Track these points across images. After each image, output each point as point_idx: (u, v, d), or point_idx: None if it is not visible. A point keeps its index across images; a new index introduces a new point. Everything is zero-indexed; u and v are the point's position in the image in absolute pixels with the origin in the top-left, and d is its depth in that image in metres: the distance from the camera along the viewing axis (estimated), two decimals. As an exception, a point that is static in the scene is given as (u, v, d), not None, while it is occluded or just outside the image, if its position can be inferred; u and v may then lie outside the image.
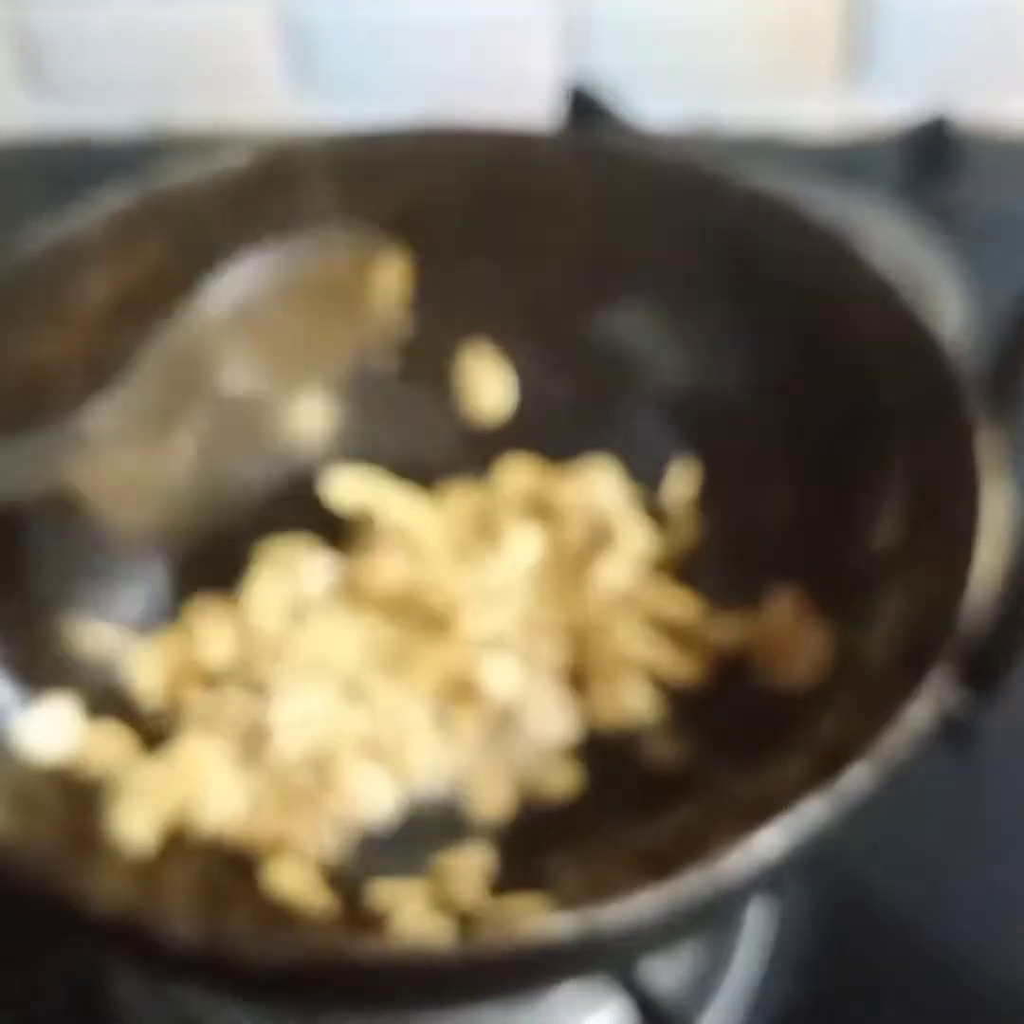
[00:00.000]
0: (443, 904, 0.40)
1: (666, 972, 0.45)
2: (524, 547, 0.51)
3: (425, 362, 0.55)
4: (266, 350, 0.54)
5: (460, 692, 0.47)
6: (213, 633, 0.48)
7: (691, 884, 0.31)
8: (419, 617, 0.49)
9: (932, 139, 0.75)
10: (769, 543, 0.49)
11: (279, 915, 0.40)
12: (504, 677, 0.46)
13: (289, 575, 0.50)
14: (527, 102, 0.68)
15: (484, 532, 0.52)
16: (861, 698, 0.41)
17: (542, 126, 0.59)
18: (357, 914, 0.40)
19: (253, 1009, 0.45)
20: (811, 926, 0.47)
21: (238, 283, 0.52)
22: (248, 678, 0.47)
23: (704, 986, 0.46)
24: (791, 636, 0.46)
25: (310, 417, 0.55)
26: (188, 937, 0.31)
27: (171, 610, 0.50)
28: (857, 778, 0.33)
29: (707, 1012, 0.45)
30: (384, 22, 0.82)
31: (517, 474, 0.54)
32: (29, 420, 0.48)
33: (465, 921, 0.39)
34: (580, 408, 0.55)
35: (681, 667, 0.47)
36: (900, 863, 0.49)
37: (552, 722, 0.46)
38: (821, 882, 0.48)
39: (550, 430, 0.54)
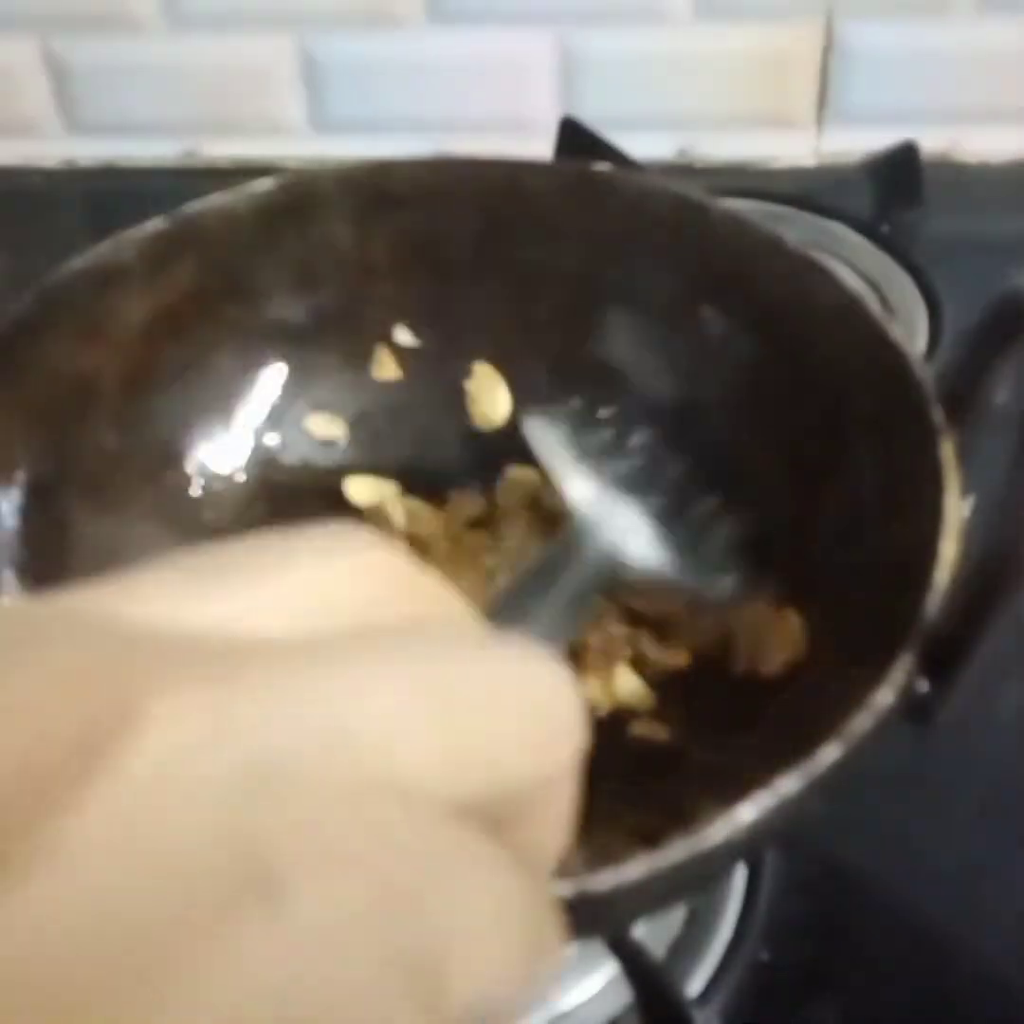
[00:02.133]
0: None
1: (654, 938, 0.46)
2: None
3: (433, 377, 0.56)
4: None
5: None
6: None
7: (676, 853, 0.32)
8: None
9: (899, 169, 0.76)
10: (749, 541, 0.49)
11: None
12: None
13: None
14: (526, 138, 0.69)
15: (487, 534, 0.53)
16: (831, 684, 0.41)
17: (539, 157, 0.59)
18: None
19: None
20: (793, 895, 0.47)
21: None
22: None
23: (691, 951, 0.46)
24: (768, 628, 0.46)
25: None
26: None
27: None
28: (827, 756, 0.33)
29: (693, 975, 0.45)
30: (393, 64, 0.82)
31: (518, 482, 0.54)
32: (69, 423, 0.49)
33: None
34: (575, 418, 0.55)
35: (666, 656, 0.47)
36: (875, 836, 0.49)
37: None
38: (802, 854, 0.48)
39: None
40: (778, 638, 0.45)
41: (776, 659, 0.45)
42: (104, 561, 0.49)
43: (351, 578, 0.19)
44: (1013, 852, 0.49)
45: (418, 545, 0.51)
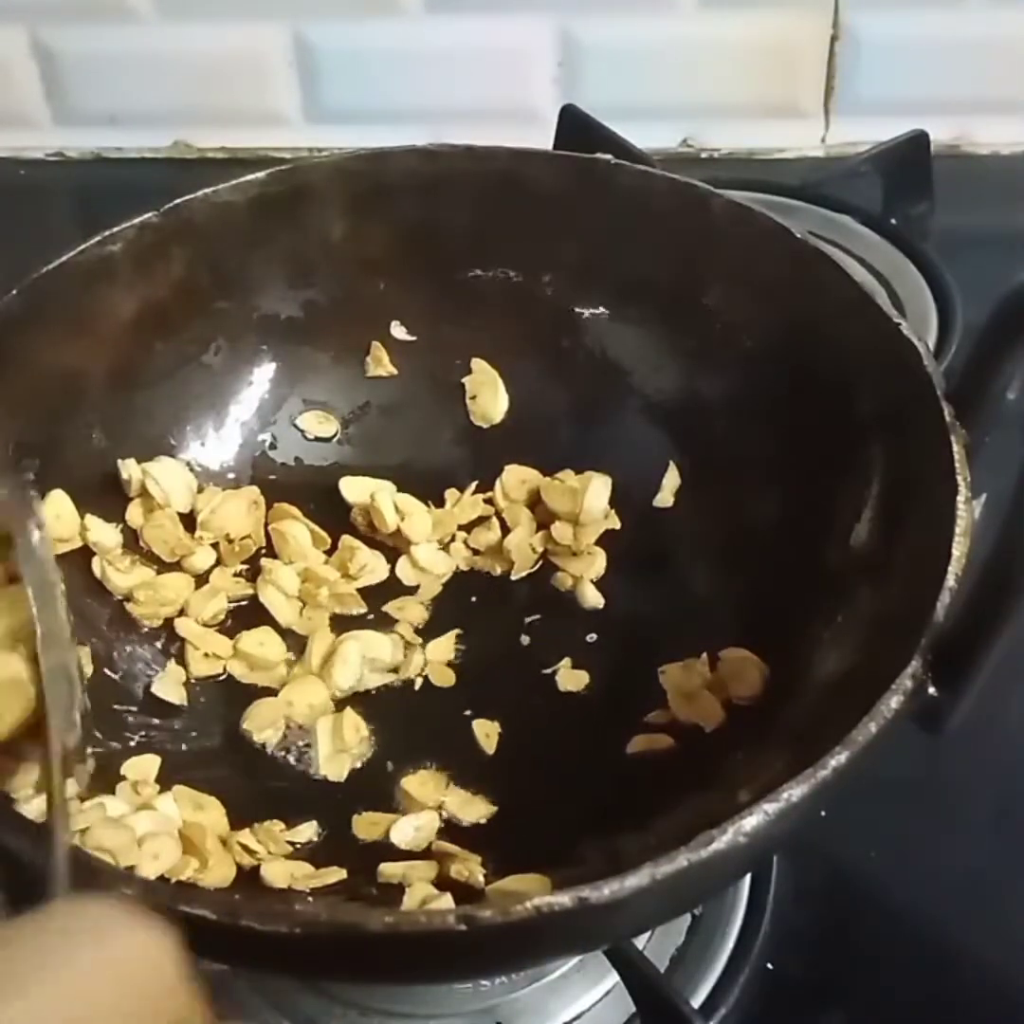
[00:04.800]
0: (448, 883, 0.40)
1: (658, 947, 0.45)
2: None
3: (430, 373, 0.56)
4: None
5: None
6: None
7: (679, 862, 0.31)
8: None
9: (908, 161, 0.75)
10: (753, 542, 0.49)
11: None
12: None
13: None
14: (526, 127, 0.69)
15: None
16: (839, 690, 0.41)
17: (539, 148, 0.59)
18: (368, 894, 0.41)
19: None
20: (799, 903, 0.47)
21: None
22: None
23: (695, 960, 0.46)
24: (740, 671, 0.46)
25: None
26: (214, 911, 0.31)
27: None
28: (834, 764, 0.33)
29: (698, 985, 0.45)
30: (390, 52, 0.82)
31: (515, 480, 0.54)
32: (55, 420, 0.49)
33: (472, 898, 0.39)
34: (575, 416, 0.55)
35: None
36: (882, 843, 0.49)
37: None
38: (808, 862, 0.48)
39: (546, 437, 0.55)
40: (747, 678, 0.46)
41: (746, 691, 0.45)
42: (86, 556, 0.49)
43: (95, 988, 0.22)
44: (1022, 862, 0.49)
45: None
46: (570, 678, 0.49)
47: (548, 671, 0.49)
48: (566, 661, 0.49)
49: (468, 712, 0.48)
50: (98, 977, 0.22)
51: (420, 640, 0.50)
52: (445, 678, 0.49)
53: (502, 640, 0.50)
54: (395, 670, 0.49)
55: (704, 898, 0.45)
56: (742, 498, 0.50)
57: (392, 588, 0.52)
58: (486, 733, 0.47)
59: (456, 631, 0.50)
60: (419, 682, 0.49)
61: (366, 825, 0.44)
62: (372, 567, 0.52)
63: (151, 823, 0.41)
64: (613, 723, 0.46)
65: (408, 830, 0.43)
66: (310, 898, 0.40)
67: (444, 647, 0.50)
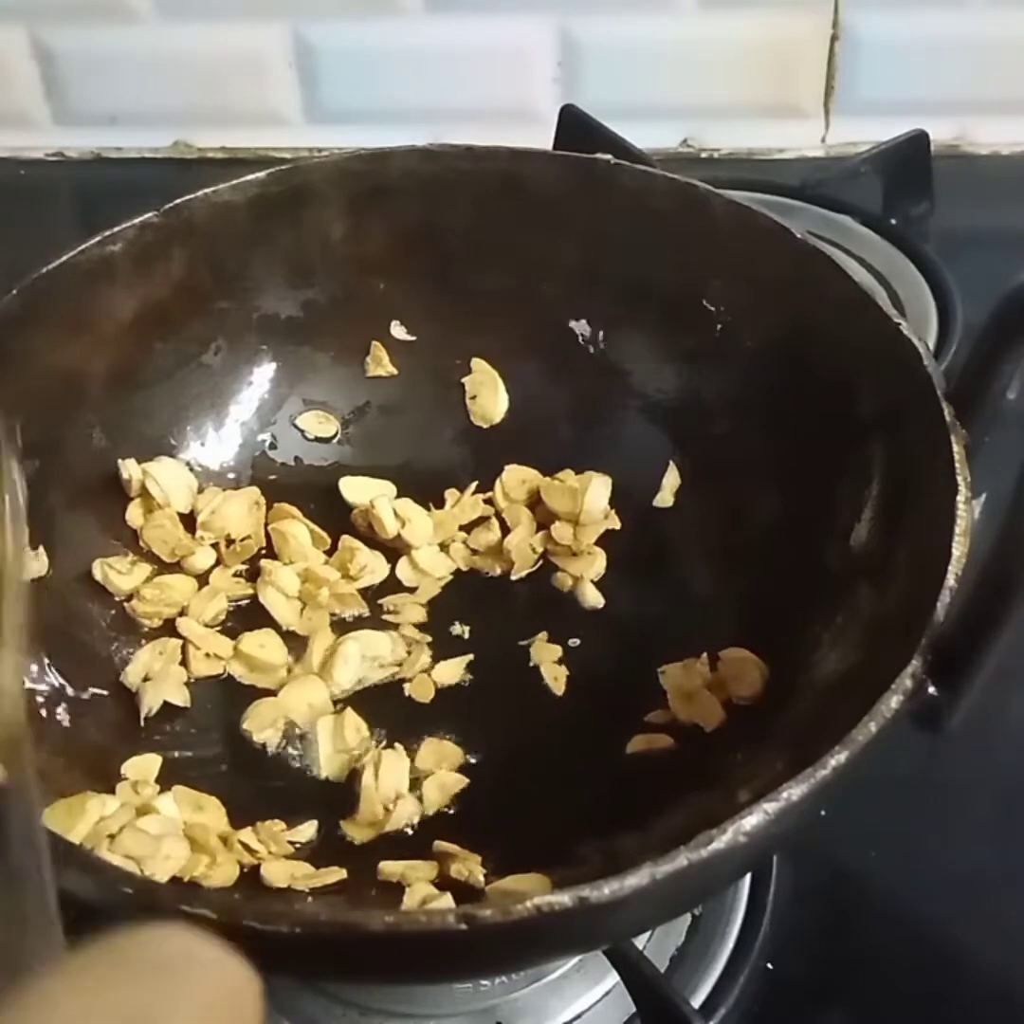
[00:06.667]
0: (449, 883, 0.40)
1: (658, 947, 0.45)
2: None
3: (429, 374, 0.56)
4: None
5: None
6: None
7: (678, 862, 0.31)
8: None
9: (908, 161, 0.75)
10: (754, 542, 0.49)
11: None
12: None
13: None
14: (526, 127, 0.69)
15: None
16: (839, 690, 0.41)
17: (539, 147, 0.59)
18: (368, 894, 0.41)
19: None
20: (799, 904, 0.47)
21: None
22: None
23: (695, 960, 0.46)
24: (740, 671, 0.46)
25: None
26: (214, 911, 0.31)
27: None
28: (834, 764, 0.33)
29: (698, 985, 0.45)
30: (390, 52, 0.82)
31: (515, 481, 0.54)
32: (55, 420, 0.49)
33: (472, 898, 0.39)
34: (575, 416, 0.55)
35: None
36: (882, 843, 0.49)
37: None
38: (808, 862, 0.48)
39: (546, 437, 0.55)
40: (747, 677, 0.46)
41: (746, 691, 0.45)
42: (87, 557, 0.49)
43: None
44: (1022, 861, 0.49)
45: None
46: (542, 650, 0.49)
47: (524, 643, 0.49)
48: (542, 634, 0.50)
49: (468, 711, 0.48)
50: (190, 1010, 0.22)
51: (429, 638, 0.50)
52: (425, 692, 0.48)
53: (502, 640, 0.50)
54: (398, 665, 0.49)
55: (704, 898, 0.45)
56: (742, 498, 0.50)
57: (392, 588, 0.52)
58: (487, 732, 0.47)
59: (469, 658, 0.49)
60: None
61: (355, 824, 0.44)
62: (372, 567, 0.52)
63: (159, 826, 0.41)
64: (613, 723, 0.46)
65: (402, 817, 0.43)
66: (310, 898, 0.40)
67: (452, 671, 0.49)
